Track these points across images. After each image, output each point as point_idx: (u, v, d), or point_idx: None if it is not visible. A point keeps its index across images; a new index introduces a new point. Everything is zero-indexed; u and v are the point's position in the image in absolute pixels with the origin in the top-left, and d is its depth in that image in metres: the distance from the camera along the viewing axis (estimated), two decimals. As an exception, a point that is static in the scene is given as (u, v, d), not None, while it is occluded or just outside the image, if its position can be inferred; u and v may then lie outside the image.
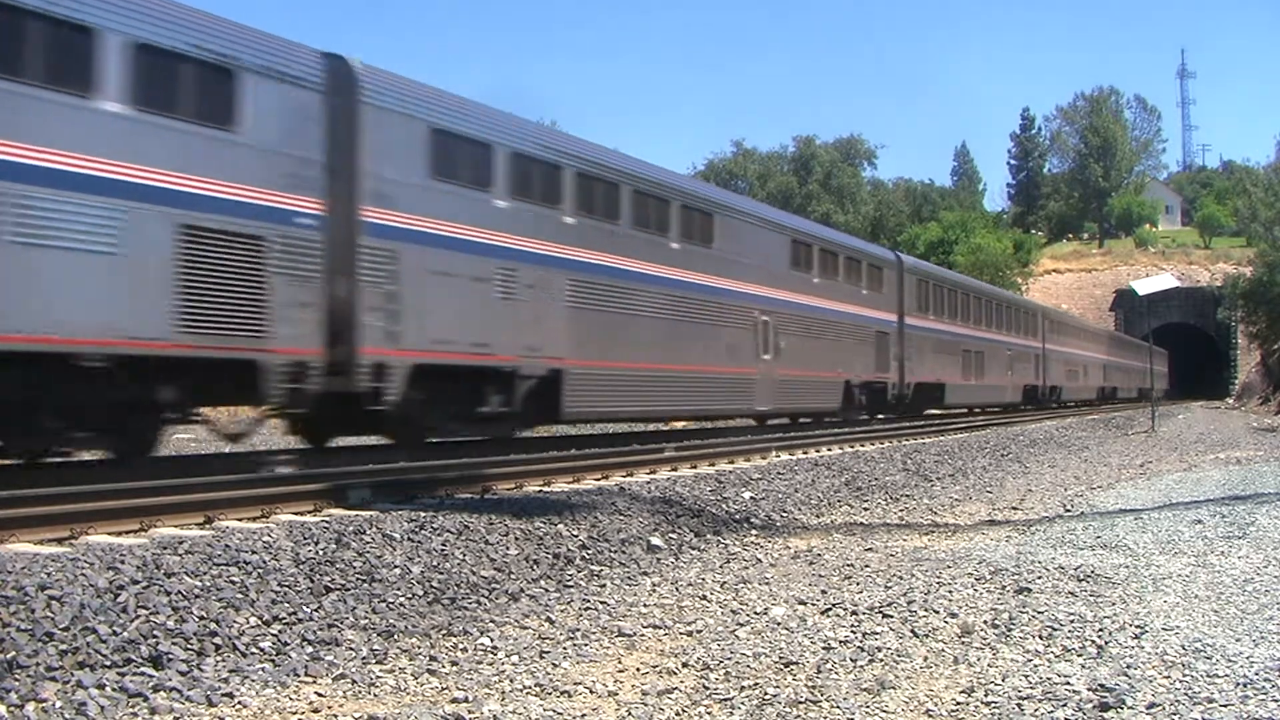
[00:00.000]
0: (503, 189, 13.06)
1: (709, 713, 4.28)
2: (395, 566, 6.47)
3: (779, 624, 5.68)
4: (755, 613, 5.98)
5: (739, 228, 18.94)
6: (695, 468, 12.70)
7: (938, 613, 5.78)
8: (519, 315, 13.12)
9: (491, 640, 5.49)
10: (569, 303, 14.01)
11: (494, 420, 13.11)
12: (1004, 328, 34.73)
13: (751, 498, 10.90)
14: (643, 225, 15.86)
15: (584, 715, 4.27)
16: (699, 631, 5.60)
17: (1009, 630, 5.37)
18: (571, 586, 6.93)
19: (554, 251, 13.80)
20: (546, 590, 6.78)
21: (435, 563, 6.71)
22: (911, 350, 26.04)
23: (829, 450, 16.40)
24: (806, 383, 20.73)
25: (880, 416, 25.06)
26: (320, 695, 4.58)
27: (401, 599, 6.07)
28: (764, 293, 19.26)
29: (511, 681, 4.72)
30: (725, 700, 4.40)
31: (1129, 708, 4.06)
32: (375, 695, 4.61)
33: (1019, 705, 4.19)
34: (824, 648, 5.14)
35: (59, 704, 4.17)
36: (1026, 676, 4.55)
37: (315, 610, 5.60)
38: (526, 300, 13.24)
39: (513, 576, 6.89)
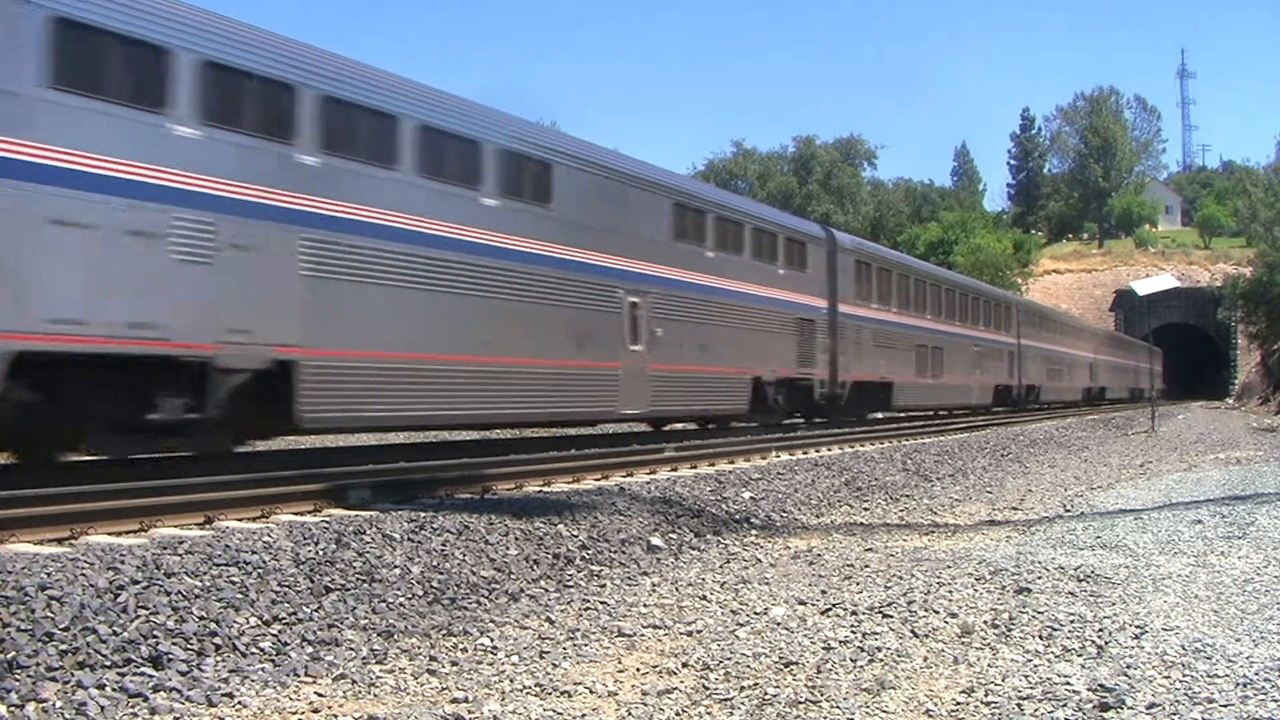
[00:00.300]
0: (187, 112, 9.51)
1: (709, 713, 4.28)
2: (395, 567, 6.47)
3: (779, 624, 5.69)
4: (755, 613, 5.98)
5: (593, 184, 15.04)
6: (695, 468, 12.71)
7: (938, 613, 5.78)
8: (216, 286, 9.61)
9: (491, 640, 5.50)
10: (307, 271, 10.45)
11: (179, 430, 9.67)
12: (971, 320, 31.50)
13: (751, 498, 10.90)
14: (435, 173, 12.21)
15: (584, 715, 4.27)
16: (699, 631, 5.61)
17: (1009, 630, 5.37)
18: (571, 586, 6.94)
19: (279, 200, 10.22)
20: (546, 590, 6.78)
21: (435, 563, 6.71)
22: (847, 343, 22.31)
23: (829, 450, 16.40)
24: (696, 380, 16.98)
25: (817, 420, 22.09)
26: (320, 695, 4.59)
27: (401, 599, 6.07)
28: (632, 267, 15.53)
29: (511, 681, 4.72)
30: (725, 700, 4.40)
31: (1129, 708, 4.06)
32: (375, 695, 4.61)
33: (1019, 705, 4.19)
34: (824, 648, 5.15)
35: (59, 704, 4.17)
36: (1026, 676, 4.56)
37: (315, 610, 5.60)
38: (230, 265, 9.71)
39: (513, 577, 6.90)
